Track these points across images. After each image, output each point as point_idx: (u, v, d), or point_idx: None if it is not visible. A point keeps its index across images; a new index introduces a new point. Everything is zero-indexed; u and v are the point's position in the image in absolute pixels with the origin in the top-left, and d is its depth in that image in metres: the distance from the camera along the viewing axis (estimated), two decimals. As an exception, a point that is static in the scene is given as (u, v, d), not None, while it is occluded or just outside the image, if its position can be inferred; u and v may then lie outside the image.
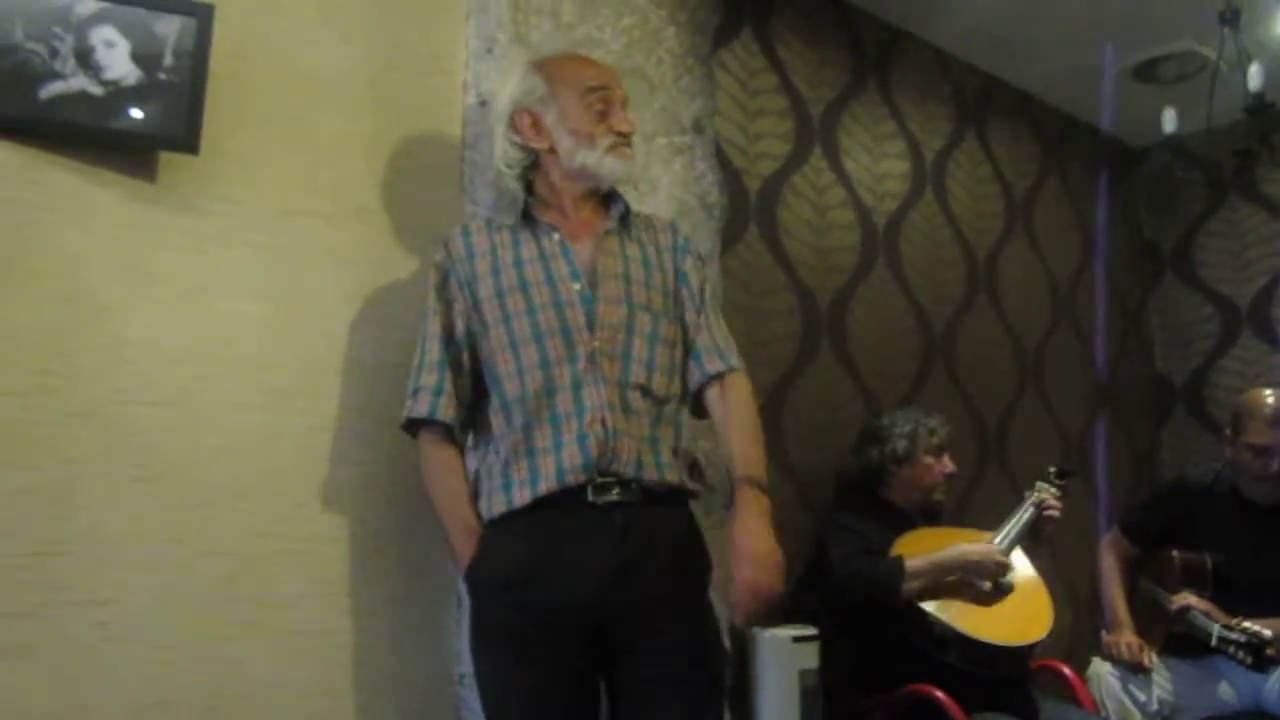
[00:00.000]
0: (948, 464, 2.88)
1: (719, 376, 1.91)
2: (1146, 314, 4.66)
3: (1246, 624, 2.70)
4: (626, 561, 1.70)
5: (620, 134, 1.88)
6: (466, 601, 2.03)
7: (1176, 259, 4.62)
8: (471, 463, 1.86)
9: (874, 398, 3.25)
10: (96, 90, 1.68)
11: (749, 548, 1.71)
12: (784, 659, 2.52)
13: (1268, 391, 2.97)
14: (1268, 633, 2.66)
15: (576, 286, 1.81)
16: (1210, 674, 2.89)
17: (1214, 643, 2.73)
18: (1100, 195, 4.49)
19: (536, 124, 1.87)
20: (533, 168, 1.91)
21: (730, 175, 2.91)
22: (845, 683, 2.64)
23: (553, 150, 1.87)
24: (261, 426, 1.87)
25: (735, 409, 1.88)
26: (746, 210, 2.98)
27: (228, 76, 1.86)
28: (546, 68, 1.89)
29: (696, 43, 2.59)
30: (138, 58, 1.70)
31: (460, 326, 1.84)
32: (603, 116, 1.87)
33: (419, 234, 2.13)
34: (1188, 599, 2.88)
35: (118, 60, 1.69)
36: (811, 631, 2.57)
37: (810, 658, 2.54)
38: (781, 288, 3.05)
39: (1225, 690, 2.87)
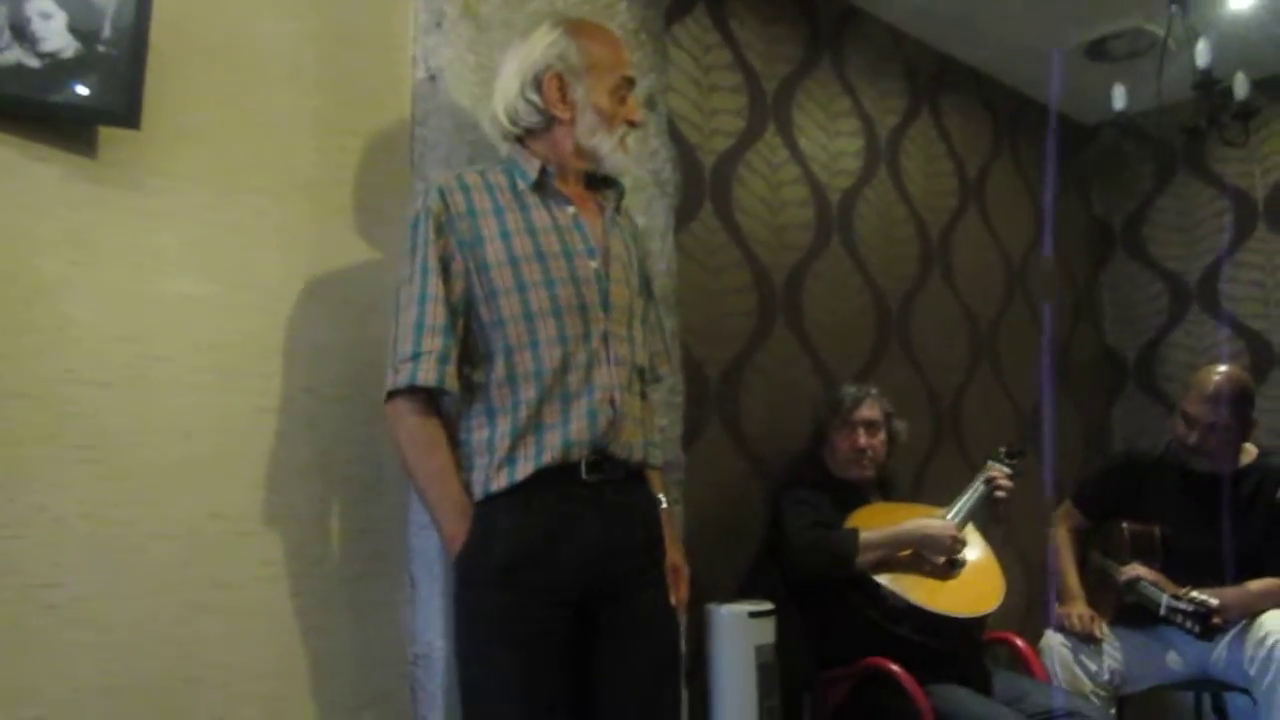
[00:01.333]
0: (860, 438, 2.87)
1: (656, 380, 2.02)
2: (1098, 290, 4.72)
3: (1194, 593, 2.75)
4: (615, 538, 1.74)
5: (631, 124, 1.88)
6: (422, 582, 2.04)
7: (1127, 236, 4.68)
8: (456, 435, 1.79)
9: (830, 375, 3.26)
10: (33, 63, 1.64)
11: (680, 553, 1.97)
12: (740, 634, 2.53)
13: (1219, 368, 3.01)
14: (1214, 601, 2.71)
15: (594, 264, 1.80)
16: (1159, 643, 2.94)
17: (1162, 612, 2.78)
18: (1051, 173, 4.53)
19: (564, 91, 1.83)
20: (532, 134, 1.87)
21: (684, 151, 2.91)
22: (801, 656, 2.66)
23: (571, 122, 1.84)
24: (211, 406, 1.84)
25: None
26: (701, 186, 2.98)
27: (170, 50, 1.82)
28: (583, 38, 1.86)
29: (648, 17, 2.58)
30: (75, 30, 1.66)
31: (459, 289, 1.76)
32: (622, 102, 1.87)
33: (368, 212, 2.10)
34: (1136, 570, 2.92)
35: (55, 32, 1.65)
36: (767, 606, 2.58)
37: (766, 633, 2.55)
38: (736, 265, 3.06)
39: (1174, 659, 2.92)
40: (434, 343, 1.71)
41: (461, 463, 1.76)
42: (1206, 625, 2.70)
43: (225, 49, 1.94)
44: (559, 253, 1.78)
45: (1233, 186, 4.37)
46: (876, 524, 2.65)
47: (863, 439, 2.86)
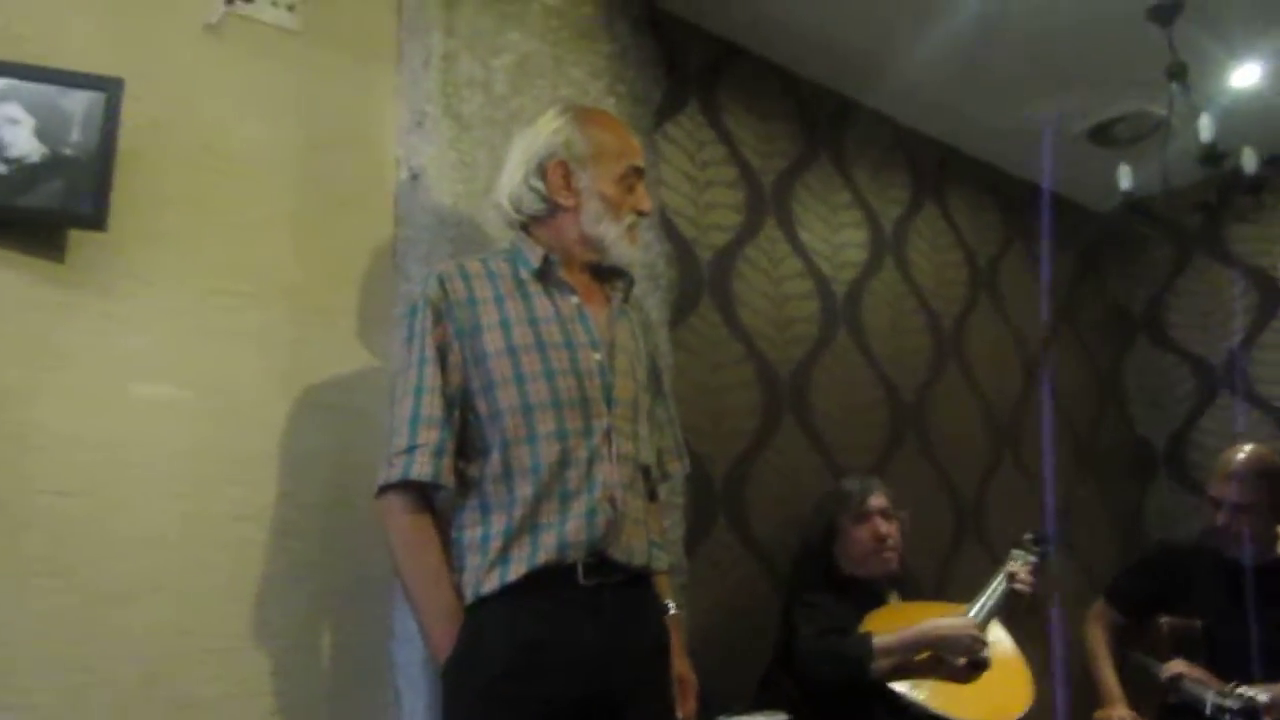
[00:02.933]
0: (880, 527, 2.73)
1: (666, 478, 1.95)
2: (1121, 377, 4.60)
3: (1241, 689, 2.59)
4: (615, 646, 1.63)
5: (640, 213, 1.85)
6: (407, 696, 1.93)
7: (1148, 321, 4.58)
8: (448, 533, 1.70)
9: (841, 471, 3.16)
10: (0, 169, 1.63)
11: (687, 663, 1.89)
12: (752, 746, 2.38)
13: (1243, 447, 2.89)
14: (1264, 697, 2.55)
15: (597, 357, 1.74)
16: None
17: (1208, 711, 2.61)
18: (1067, 260, 4.47)
19: (569, 179, 1.80)
20: (537, 221, 1.83)
21: (680, 246, 2.87)
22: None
23: (575, 210, 1.80)
24: (182, 516, 1.77)
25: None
26: (699, 281, 2.93)
27: (143, 153, 1.81)
28: (590, 125, 1.84)
29: (637, 114, 2.57)
30: (43, 134, 1.65)
31: (456, 380, 1.69)
32: (629, 190, 1.83)
33: (350, 314, 2.06)
34: (1179, 667, 2.77)
35: (21, 137, 1.64)
36: (783, 718, 2.44)
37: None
38: (739, 360, 2.98)
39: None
40: (429, 435, 1.64)
41: (453, 563, 1.67)
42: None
43: (200, 151, 1.93)
44: (560, 343, 1.72)
45: (1251, 266, 4.28)
46: (893, 626, 2.51)
47: (883, 526, 2.74)
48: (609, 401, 1.72)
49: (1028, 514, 3.81)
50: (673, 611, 1.85)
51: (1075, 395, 4.29)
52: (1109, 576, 3.80)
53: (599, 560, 1.64)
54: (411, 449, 1.63)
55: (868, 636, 2.45)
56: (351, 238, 2.11)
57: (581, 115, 1.85)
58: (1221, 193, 3.26)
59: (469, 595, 1.63)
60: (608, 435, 1.70)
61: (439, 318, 1.71)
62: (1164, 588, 2.98)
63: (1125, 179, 3.27)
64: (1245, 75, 3.53)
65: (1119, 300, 4.66)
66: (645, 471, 1.81)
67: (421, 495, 1.66)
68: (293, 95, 2.08)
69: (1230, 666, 2.70)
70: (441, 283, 1.74)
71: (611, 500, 1.66)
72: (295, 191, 2.04)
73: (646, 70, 2.69)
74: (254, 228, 1.97)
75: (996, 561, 3.27)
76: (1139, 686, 2.93)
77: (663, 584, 1.85)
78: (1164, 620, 2.94)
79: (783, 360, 3.11)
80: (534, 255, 1.78)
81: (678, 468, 1.97)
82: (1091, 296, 4.58)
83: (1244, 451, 2.85)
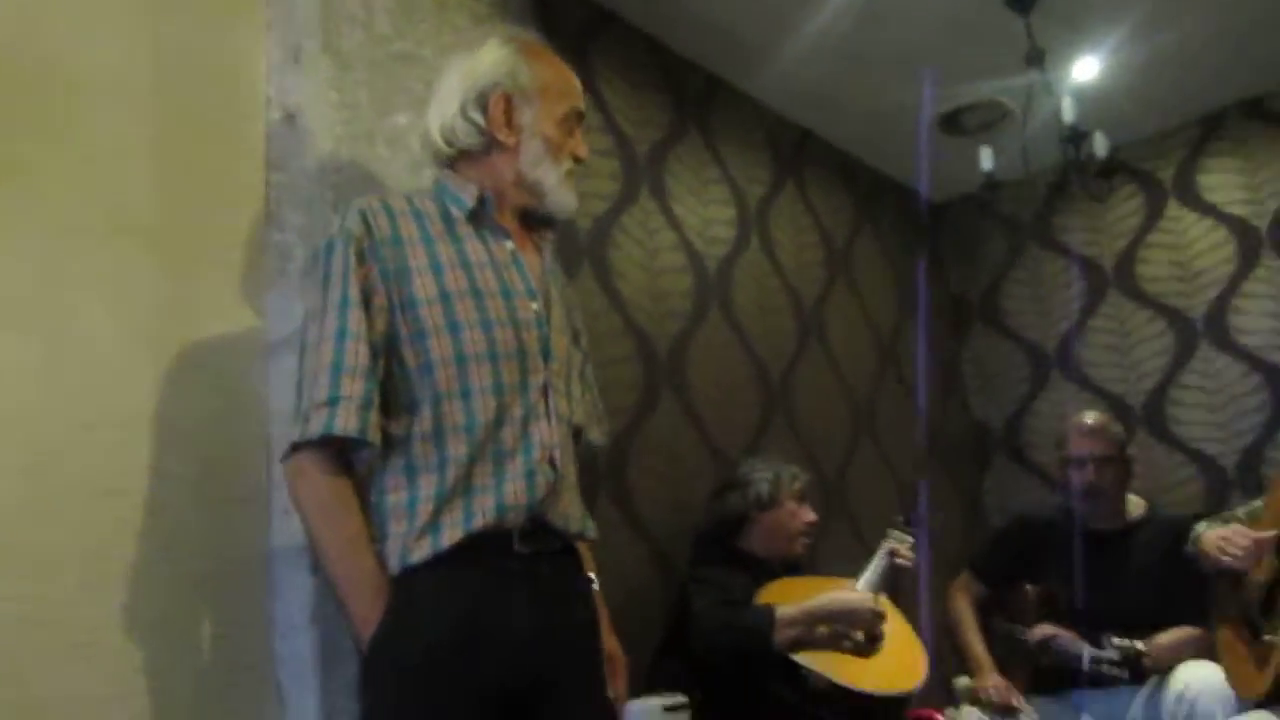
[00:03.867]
0: (809, 512, 2.75)
1: (592, 444, 1.81)
2: (960, 363, 4.73)
3: (1115, 639, 2.66)
4: (551, 621, 1.49)
5: (577, 159, 1.69)
6: (293, 692, 1.72)
7: (984, 308, 4.73)
8: (367, 497, 1.51)
9: (719, 449, 3.09)
10: None
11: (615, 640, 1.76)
12: (654, 730, 2.26)
13: (1087, 412, 3.09)
14: (1140, 644, 2.62)
15: (534, 307, 1.58)
16: (1072, 710, 2.81)
17: (1086, 666, 2.67)
18: (910, 247, 4.56)
19: (510, 114, 1.62)
20: (468, 157, 1.65)
21: (560, 213, 2.73)
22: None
23: (514, 149, 1.63)
24: (25, 491, 1.51)
25: None
26: (577, 248, 2.80)
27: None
28: (535, 60, 1.67)
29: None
30: None
31: (380, 327, 1.49)
32: (569, 134, 1.68)
33: (216, 264, 1.83)
34: (1047, 629, 2.83)
35: None
36: (682, 700, 2.33)
37: (681, 728, 2.29)
38: (618, 332, 2.87)
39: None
40: (354, 387, 1.44)
41: (373, 531, 1.47)
42: (1137, 668, 2.60)
43: (46, 76, 1.66)
44: (496, 291, 1.55)
45: (1081, 255, 4.47)
46: (789, 599, 2.44)
47: (812, 513, 2.72)
48: (546, 355, 1.58)
49: (887, 493, 3.85)
50: (596, 585, 1.71)
51: (921, 382, 4.37)
52: (958, 555, 3.90)
53: (537, 526, 1.49)
54: (334, 401, 1.43)
55: (770, 607, 2.37)
56: (217, 180, 1.87)
57: (527, 48, 1.69)
58: (1068, 178, 3.35)
59: (394, 565, 1.44)
60: (544, 392, 1.55)
61: (362, 257, 1.51)
62: (1023, 557, 3.05)
63: (987, 159, 3.34)
64: (1085, 68, 3.67)
65: (958, 288, 4.80)
66: (575, 434, 1.67)
67: (339, 455, 1.47)
68: (148, 17, 1.83)
69: (1089, 631, 2.78)
70: (364, 218, 1.54)
71: (551, 461, 1.52)
72: (151, 123, 1.79)
73: (526, 25, 2.54)
74: (106, 159, 1.71)
75: (861, 540, 3.31)
76: (1007, 655, 2.98)
77: (586, 555, 1.71)
78: (1028, 587, 3.00)
79: (660, 334, 3.02)
80: (467, 194, 1.61)
81: (601, 436, 1.82)
82: (932, 285, 4.69)
83: (1092, 413, 3.04)
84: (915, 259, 4.58)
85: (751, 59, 3.48)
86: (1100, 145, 3.18)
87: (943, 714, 2.69)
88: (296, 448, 1.45)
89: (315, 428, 1.42)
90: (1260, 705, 2.32)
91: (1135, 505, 3.00)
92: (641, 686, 2.45)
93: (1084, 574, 2.88)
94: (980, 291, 4.75)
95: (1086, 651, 2.68)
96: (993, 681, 2.85)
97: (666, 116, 3.28)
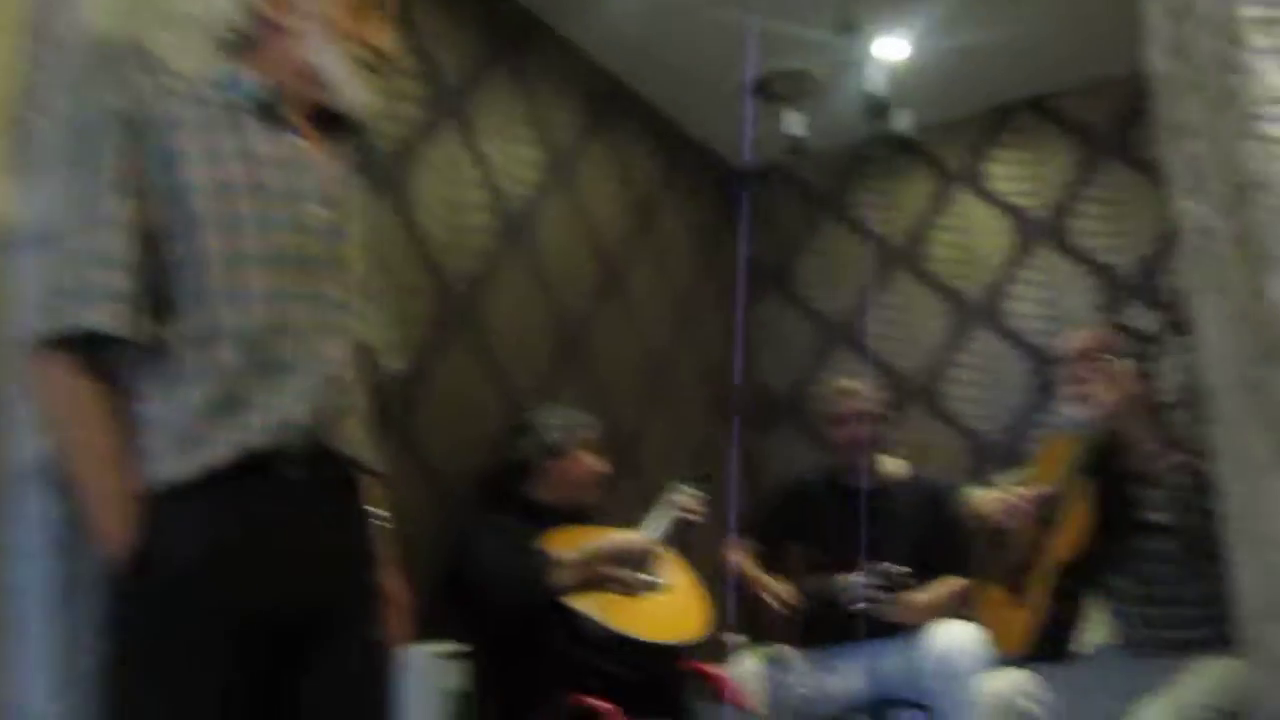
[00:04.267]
0: (600, 462, 2.70)
1: (383, 371, 1.63)
2: (753, 329, 4.80)
3: (878, 566, 2.79)
4: (327, 551, 1.38)
5: (376, 51, 1.50)
6: (36, 623, 1.53)
7: (780, 277, 4.82)
8: (127, 405, 1.33)
9: (511, 393, 3.00)
10: None
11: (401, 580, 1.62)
12: (429, 678, 2.18)
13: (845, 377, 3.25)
14: (901, 567, 2.73)
15: (325, 214, 1.42)
16: (836, 663, 2.89)
17: (852, 592, 2.77)
18: (713, 210, 4.59)
19: None
20: (251, 45, 1.46)
21: (358, 130, 2.57)
22: (491, 699, 2.34)
23: (293, 34, 1.45)
24: None
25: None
26: (376, 170, 2.64)
27: None
28: None
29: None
30: None
31: (146, 216, 1.32)
32: (363, 20, 1.48)
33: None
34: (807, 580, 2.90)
35: None
36: (460, 647, 2.25)
37: (458, 676, 2.22)
38: (413, 264, 2.73)
39: (853, 679, 2.88)
40: (117, 279, 1.28)
41: (130, 444, 1.31)
42: (896, 585, 2.73)
43: None
44: (283, 191, 1.40)
45: (874, 233, 4.61)
46: (571, 546, 2.40)
47: (597, 463, 2.67)
48: (335, 268, 1.44)
49: (679, 450, 3.86)
50: (384, 523, 1.59)
51: (713, 344, 4.41)
52: (739, 515, 3.97)
53: (315, 450, 1.36)
54: (91, 294, 1.26)
55: (546, 552, 2.32)
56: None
57: None
58: (868, 151, 3.45)
59: (152, 482, 1.29)
60: (330, 306, 1.42)
61: (132, 136, 1.33)
62: (789, 518, 3.13)
63: (793, 125, 3.37)
64: (895, 47, 3.75)
65: (756, 255, 4.86)
66: (365, 358, 1.53)
67: (95, 357, 1.30)
68: None
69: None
70: (137, 95, 1.36)
71: (335, 381, 1.39)
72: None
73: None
74: None
75: (649, 497, 3.29)
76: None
77: (373, 489, 1.58)
78: (794, 547, 3.08)
79: (457, 272, 2.90)
80: (253, 84, 1.44)
81: (394, 360, 1.68)
82: (731, 249, 4.73)
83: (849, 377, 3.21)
84: (718, 222, 4.61)
85: (571, 2, 3.38)
86: (903, 121, 3.27)
87: (721, 669, 2.71)
88: (45, 346, 1.28)
89: (65, 321, 1.26)
90: (1019, 662, 2.44)
91: (897, 465, 3.12)
92: (419, 633, 2.36)
93: (845, 531, 2.96)
94: (777, 260, 4.83)
95: (850, 580, 2.77)
96: (774, 588, 2.90)
97: (479, 49, 3.14)
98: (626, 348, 3.72)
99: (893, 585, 2.73)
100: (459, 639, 2.32)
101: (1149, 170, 4.10)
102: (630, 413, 3.66)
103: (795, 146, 3.36)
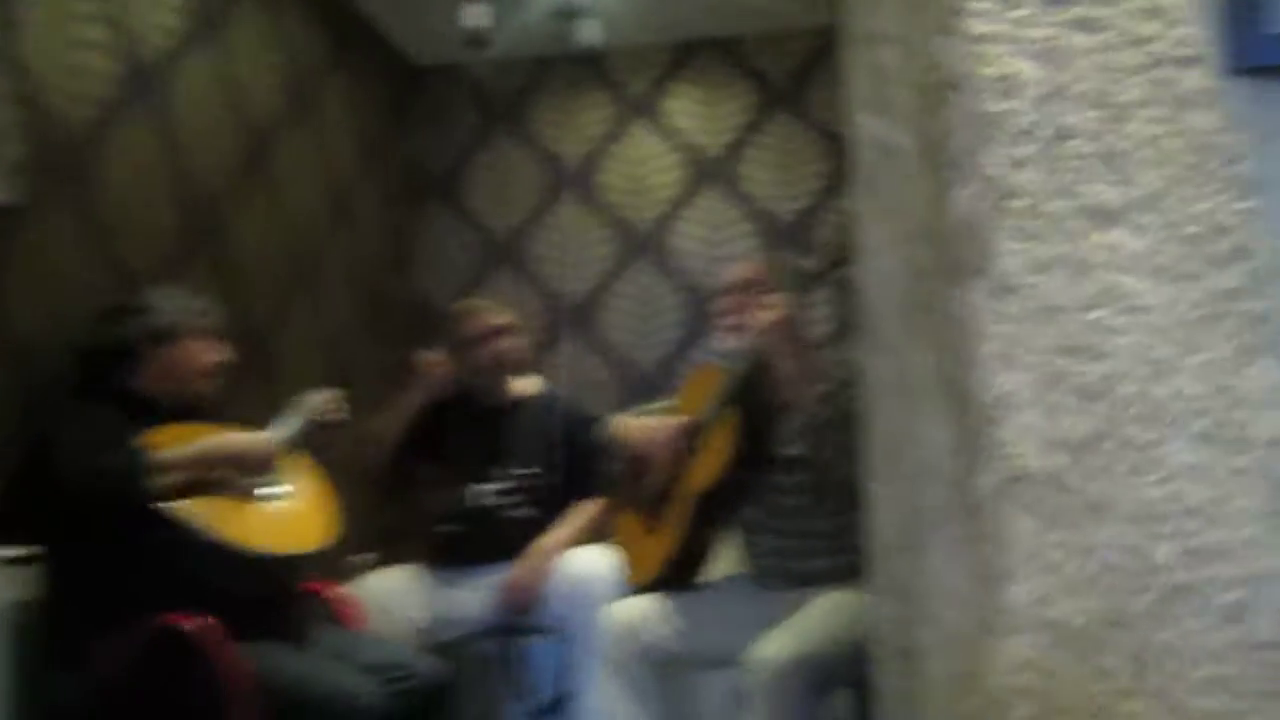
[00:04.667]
0: (217, 350, 2.39)
1: None
2: (413, 237, 4.56)
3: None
4: None
5: None
6: None
7: (446, 186, 4.58)
8: None
9: (124, 268, 2.61)
10: None
11: None
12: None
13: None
14: (529, 469, 2.71)
15: None
16: (475, 582, 2.78)
17: (477, 500, 2.73)
18: (381, 103, 4.28)
19: None
20: None
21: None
22: (68, 614, 2.01)
23: None
24: None
25: None
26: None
27: None
28: None
29: None
30: None
31: None
32: None
33: None
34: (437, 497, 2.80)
35: None
36: (29, 551, 1.91)
37: (23, 584, 1.88)
38: (7, 97, 2.28)
39: (485, 600, 2.78)
40: None
41: None
42: (530, 490, 2.71)
43: None
44: None
45: (548, 151, 4.49)
46: (177, 443, 2.11)
47: (222, 351, 2.34)
48: None
49: (321, 355, 3.58)
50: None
51: (370, 247, 4.13)
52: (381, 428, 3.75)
53: None
54: None
55: (144, 449, 2.02)
56: None
57: None
58: (551, 60, 3.30)
59: None
60: None
61: None
62: (422, 436, 2.95)
63: (477, 16, 3.15)
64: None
65: (423, 159, 4.60)
66: None
67: None
68: None
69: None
70: None
71: None
72: None
73: None
74: None
75: (280, 398, 3.02)
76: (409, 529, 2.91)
77: None
78: (428, 467, 2.92)
79: (67, 116, 2.46)
80: None
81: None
82: (394, 149, 4.44)
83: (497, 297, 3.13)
84: (387, 119, 4.31)
85: None
86: (590, 31, 3.14)
87: (343, 589, 2.51)
88: None
89: None
90: (649, 589, 2.42)
91: (529, 383, 3.03)
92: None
93: (478, 447, 2.87)
94: (445, 167, 4.59)
95: (471, 489, 2.70)
96: None
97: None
98: (269, 237, 3.38)
99: (522, 488, 2.66)
100: (34, 542, 1.98)
101: (819, 126, 4.25)
102: (268, 308, 3.33)
103: (475, 38, 3.14)
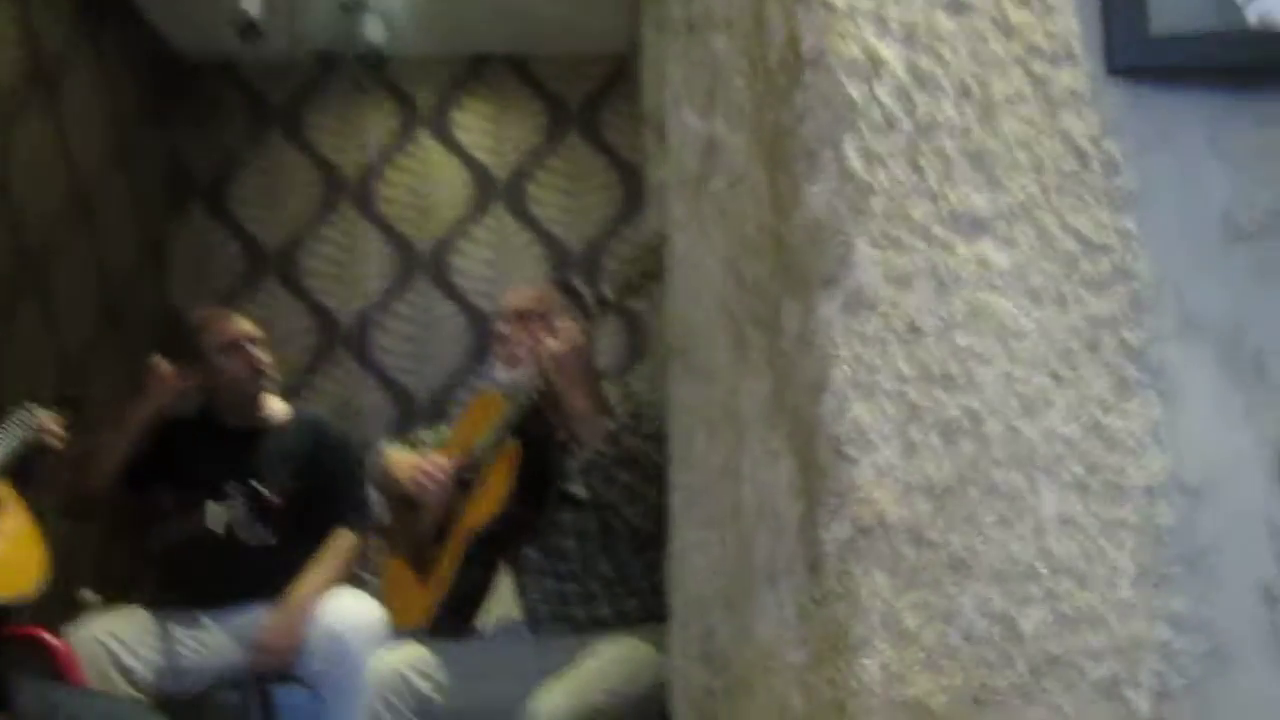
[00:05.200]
0: None
1: None
2: (170, 241, 4.15)
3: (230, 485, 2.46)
4: None
5: None
6: None
7: (210, 189, 4.20)
8: None
9: None
10: None
11: None
12: None
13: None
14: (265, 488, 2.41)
15: None
16: (219, 626, 2.47)
17: (209, 521, 2.39)
18: (135, 94, 3.89)
19: None
20: None
21: None
22: None
23: None
24: None
25: None
26: None
27: None
28: None
29: None
30: None
31: None
32: None
33: None
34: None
35: None
36: None
37: None
38: None
39: (231, 646, 2.47)
40: None
41: None
42: (266, 506, 2.37)
43: None
44: None
45: (325, 159, 4.20)
46: None
47: None
48: None
49: (46, 365, 3.16)
50: None
51: (117, 249, 3.72)
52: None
53: None
54: None
55: None
56: None
57: None
58: (333, 57, 3.05)
59: None
60: None
61: None
62: (160, 459, 2.63)
63: (251, 4, 2.87)
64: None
65: (185, 160, 4.21)
66: None
67: None
68: None
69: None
70: None
71: None
72: None
73: None
74: None
75: (-2, 410, 2.65)
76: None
77: None
78: (165, 493, 2.58)
79: None
80: None
81: None
82: (154, 147, 4.04)
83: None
84: (146, 111, 3.92)
85: None
86: (374, 29, 2.92)
87: (57, 634, 2.17)
88: None
89: None
90: (417, 637, 2.20)
91: (277, 405, 2.75)
92: None
93: (218, 469, 2.54)
94: (210, 170, 4.22)
95: (209, 508, 2.37)
96: None
97: None
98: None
99: (260, 504, 2.37)
100: None
101: (611, 153, 4.16)
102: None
103: (248, 29, 2.86)
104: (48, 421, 2.23)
